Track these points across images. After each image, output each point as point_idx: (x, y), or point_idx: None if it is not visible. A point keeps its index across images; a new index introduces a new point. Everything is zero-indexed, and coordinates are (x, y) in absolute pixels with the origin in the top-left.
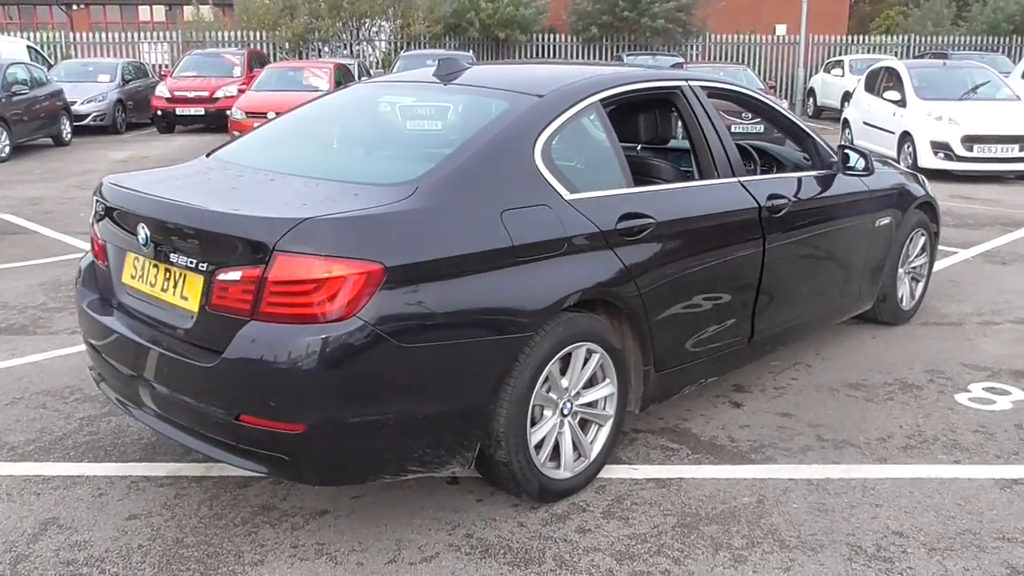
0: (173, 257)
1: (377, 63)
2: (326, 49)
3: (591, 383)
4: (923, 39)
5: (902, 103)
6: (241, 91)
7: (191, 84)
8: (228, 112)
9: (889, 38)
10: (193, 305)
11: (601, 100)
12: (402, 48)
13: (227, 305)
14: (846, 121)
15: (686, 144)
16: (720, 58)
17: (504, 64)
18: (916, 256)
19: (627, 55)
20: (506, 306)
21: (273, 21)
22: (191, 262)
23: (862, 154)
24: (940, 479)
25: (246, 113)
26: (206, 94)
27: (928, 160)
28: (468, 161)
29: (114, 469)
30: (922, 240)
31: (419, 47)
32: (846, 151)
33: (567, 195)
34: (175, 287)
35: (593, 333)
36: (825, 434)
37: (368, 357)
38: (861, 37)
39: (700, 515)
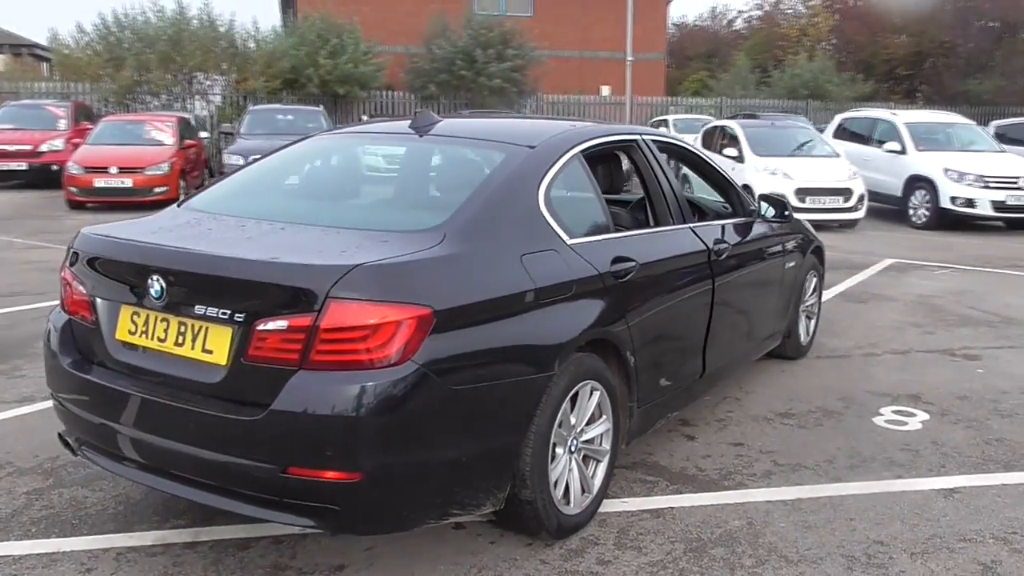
0: (198, 309)
1: (213, 118)
2: (155, 103)
3: (590, 420)
4: (732, 101)
5: (740, 159)
6: (74, 145)
7: (10, 137)
8: (54, 167)
9: (703, 100)
10: (220, 358)
11: (582, 151)
12: (238, 102)
13: (269, 356)
14: (686, 176)
15: (629, 195)
16: (557, 115)
17: (464, 118)
18: (810, 295)
19: (469, 113)
20: (534, 345)
21: (96, 72)
22: (220, 313)
23: (780, 203)
24: (891, 492)
25: (85, 168)
26: (29, 148)
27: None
28: (486, 208)
29: (92, 542)
30: (814, 281)
31: (257, 102)
32: (763, 200)
33: (568, 240)
34: (194, 340)
35: (596, 371)
36: (779, 459)
37: (423, 401)
38: (678, 98)
39: (703, 540)
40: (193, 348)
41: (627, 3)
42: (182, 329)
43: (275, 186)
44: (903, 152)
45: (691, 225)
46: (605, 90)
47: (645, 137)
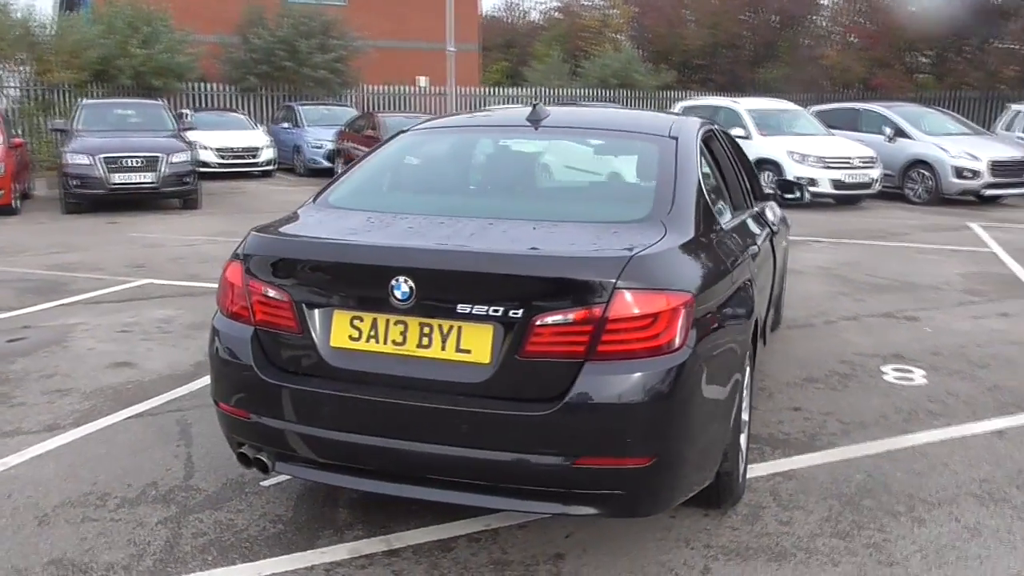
0: (460, 309)
1: (13, 112)
2: None
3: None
4: (550, 91)
5: None
6: None
7: None
8: None
9: (521, 90)
10: (482, 356)
11: (703, 139)
12: (42, 96)
13: (550, 351)
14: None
15: None
16: (378, 106)
17: (568, 108)
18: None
19: (299, 104)
20: (743, 320)
21: None
22: (490, 311)
23: (800, 186)
24: (955, 439)
25: None
26: None
27: None
28: (683, 197)
29: (288, 562)
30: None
31: (63, 96)
32: (783, 183)
33: (722, 222)
34: (443, 341)
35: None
36: (842, 419)
37: (696, 382)
38: (497, 89)
39: (847, 494)
40: (444, 349)
41: None
42: (426, 331)
43: (430, 183)
44: (748, 137)
45: (756, 208)
46: (422, 80)
47: (716, 127)
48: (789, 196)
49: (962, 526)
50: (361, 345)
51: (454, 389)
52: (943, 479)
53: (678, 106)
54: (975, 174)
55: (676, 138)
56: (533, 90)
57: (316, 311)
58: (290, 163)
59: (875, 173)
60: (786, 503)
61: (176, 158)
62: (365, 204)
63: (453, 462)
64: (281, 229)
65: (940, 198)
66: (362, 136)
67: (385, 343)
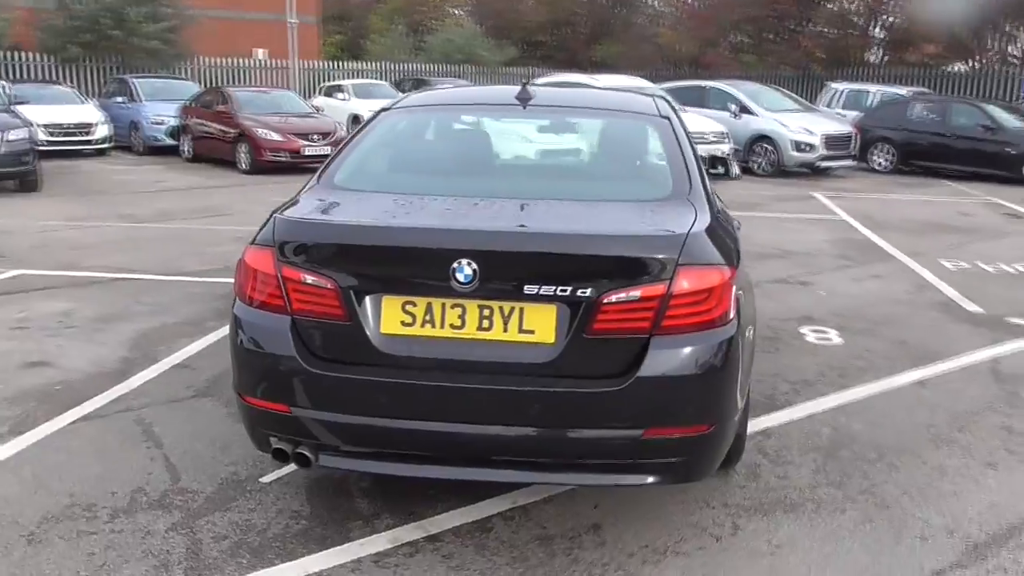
0: (527, 290)
1: None
2: None
3: None
4: (395, 65)
5: None
6: None
7: None
8: None
9: (366, 64)
10: (546, 336)
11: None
12: None
13: (617, 328)
14: None
15: None
16: (214, 80)
17: (550, 89)
18: None
19: (134, 77)
20: (750, 291)
21: None
22: (558, 291)
23: (725, 162)
24: (890, 391)
25: None
26: None
27: None
28: (693, 177)
29: (327, 558)
30: None
31: None
32: (712, 159)
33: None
34: (505, 323)
35: None
36: (788, 378)
37: (743, 350)
38: (340, 63)
39: (823, 447)
40: (506, 331)
41: None
42: (486, 313)
43: (441, 163)
44: None
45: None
46: (260, 53)
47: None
48: (713, 171)
49: (930, 467)
50: (415, 331)
51: (519, 370)
52: (895, 428)
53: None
54: (811, 147)
55: (668, 118)
56: (377, 64)
57: (366, 297)
58: (126, 140)
59: (727, 148)
60: (775, 459)
61: (13, 135)
62: (377, 185)
63: (520, 442)
64: (310, 214)
65: (781, 170)
66: (212, 112)
67: (442, 327)
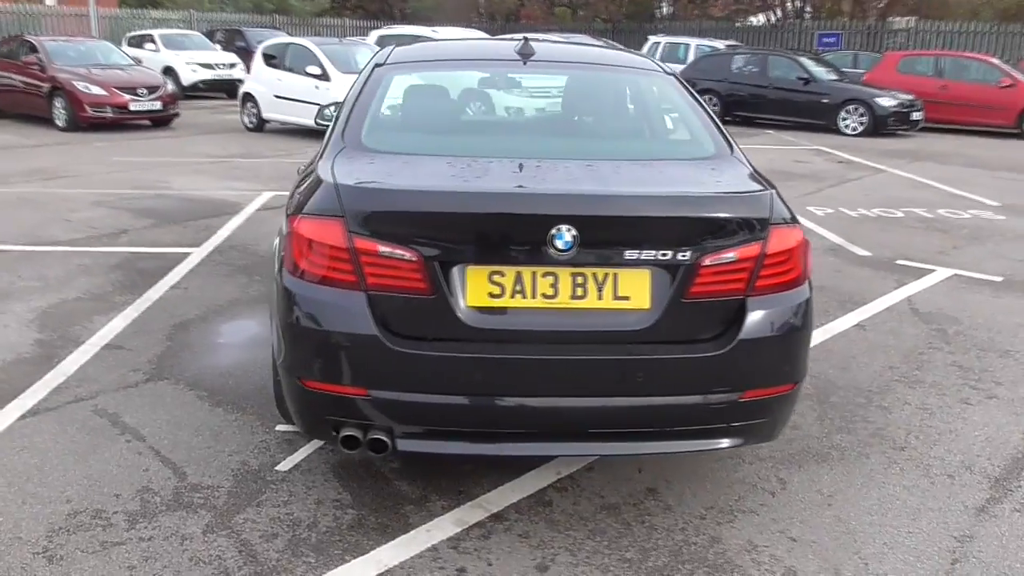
0: (628, 255)
1: None
2: None
3: None
4: (202, 15)
5: (325, 77)
6: None
7: None
8: None
9: (171, 13)
10: (641, 302)
11: None
12: None
13: (714, 290)
14: (249, 95)
15: None
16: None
17: (542, 42)
18: None
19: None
20: None
21: None
22: (652, 255)
23: None
24: (836, 335)
25: None
26: None
27: None
28: (727, 134)
29: (396, 550)
30: None
31: None
32: None
33: None
34: (599, 290)
35: None
36: None
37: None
38: (142, 11)
39: (815, 394)
40: (601, 298)
41: None
42: (579, 280)
43: (470, 123)
44: None
45: None
46: (51, 1)
47: None
48: None
49: (915, 407)
50: (504, 302)
51: (616, 338)
52: (864, 371)
53: (373, 35)
54: None
55: (673, 74)
56: (185, 13)
57: (452, 269)
58: None
59: None
60: None
61: None
62: (415, 147)
63: (620, 413)
64: (378, 180)
65: None
66: (17, 64)
67: (534, 297)
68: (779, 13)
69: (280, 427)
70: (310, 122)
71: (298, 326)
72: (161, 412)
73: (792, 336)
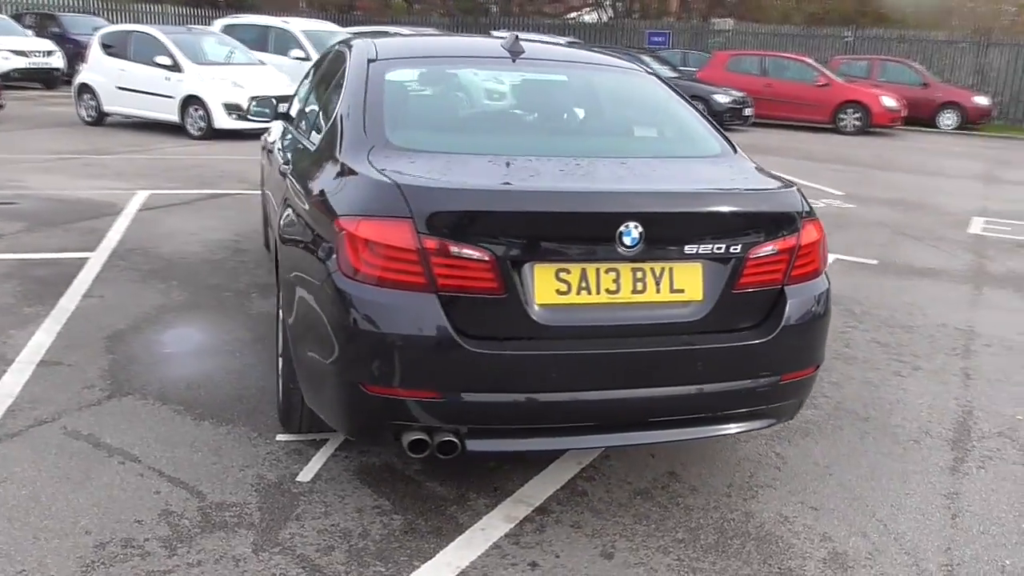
0: (688, 249)
1: None
2: None
3: None
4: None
5: (176, 68)
6: None
7: None
8: None
9: None
10: (694, 294)
11: None
12: None
13: (759, 281)
14: (86, 86)
15: None
16: None
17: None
18: None
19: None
20: None
21: None
22: (709, 249)
23: None
24: None
25: None
26: None
27: (223, 121)
28: (720, 131)
29: (464, 551)
30: None
31: None
32: None
33: None
34: (657, 284)
35: None
36: None
37: None
38: None
39: None
40: (659, 291)
41: None
42: (639, 275)
43: (489, 121)
44: (309, 59)
45: None
46: None
47: None
48: None
49: (860, 382)
50: (571, 299)
51: (673, 329)
52: (834, 343)
53: (217, 23)
54: None
55: (654, 73)
56: None
57: (523, 267)
58: None
59: None
60: None
61: None
62: (446, 146)
63: (679, 400)
64: (442, 180)
65: None
66: None
67: (598, 293)
68: (610, 12)
69: (281, 437)
70: (160, 115)
71: (360, 330)
72: (142, 430)
73: (820, 321)
